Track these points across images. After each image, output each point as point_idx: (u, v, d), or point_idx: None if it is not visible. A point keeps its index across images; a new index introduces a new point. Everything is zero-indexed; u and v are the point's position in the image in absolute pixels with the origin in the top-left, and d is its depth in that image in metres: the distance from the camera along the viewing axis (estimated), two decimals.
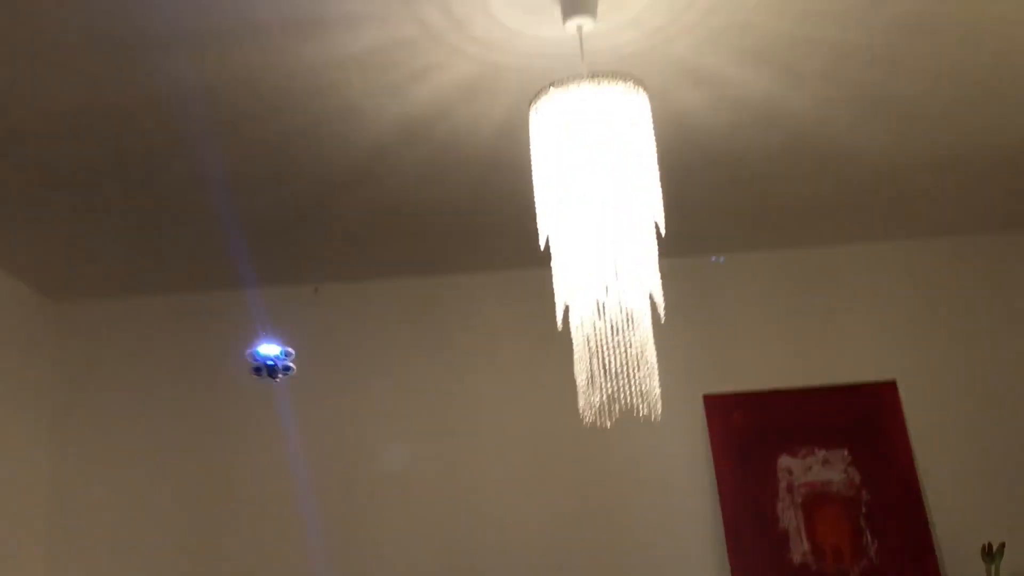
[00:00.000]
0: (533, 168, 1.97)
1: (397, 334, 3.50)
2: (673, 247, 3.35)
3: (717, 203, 3.08)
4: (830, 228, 3.38)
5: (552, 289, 1.91)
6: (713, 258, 3.49)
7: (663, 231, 1.89)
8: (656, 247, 1.91)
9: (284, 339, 3.44)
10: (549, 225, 1.93)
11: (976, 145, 2.77)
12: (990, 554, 3.01)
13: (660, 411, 1.83)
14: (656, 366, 1.85)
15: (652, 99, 2.01)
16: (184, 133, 2.39)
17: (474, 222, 3.07)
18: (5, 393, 3.15)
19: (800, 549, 3.21)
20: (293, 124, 2.39)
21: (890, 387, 3.39)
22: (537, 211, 1.94)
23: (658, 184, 1.92)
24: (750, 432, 3.36)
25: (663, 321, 1.91)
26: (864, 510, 3.24)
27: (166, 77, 2.15)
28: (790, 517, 3.25)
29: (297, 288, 3.50)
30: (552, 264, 1.92)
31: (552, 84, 1.92)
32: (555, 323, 1.92)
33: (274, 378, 2.90)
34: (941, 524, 3.24)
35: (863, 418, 3.36)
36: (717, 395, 3.41)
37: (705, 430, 3.37)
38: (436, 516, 3.31)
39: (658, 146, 1.98)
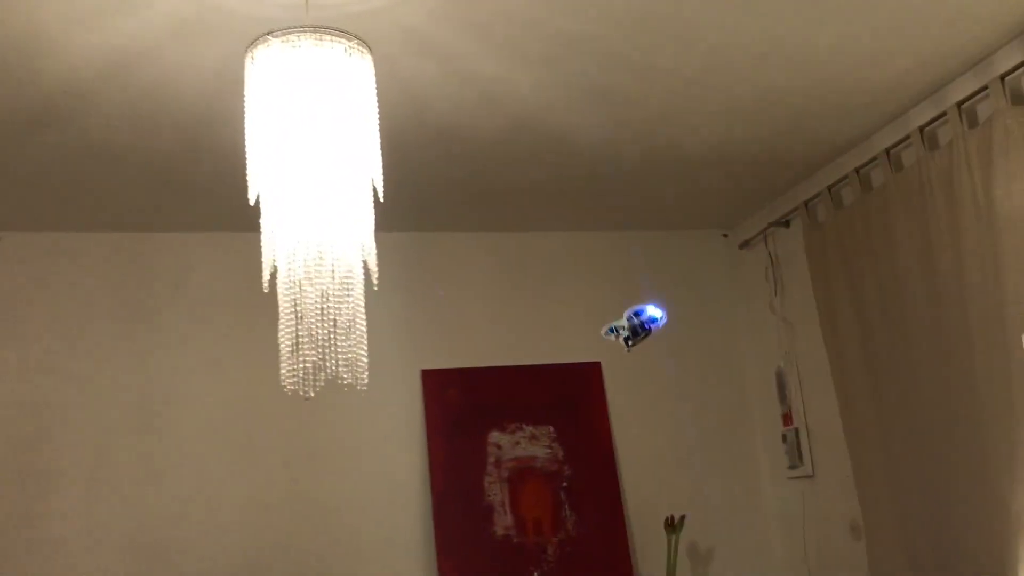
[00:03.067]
0: (246, 120, 1.85)
1: (92, 293, 3.20)
2: (397, 221, 3.34)
3: (441, 179, 3.08)
4: (547, 214, 3.49)
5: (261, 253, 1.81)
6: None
7: (381, 197, 1.85)
8: (372, 214, 1.86)
9: None
10: (261, 182, 1.82)
11: (682, 144, 2.95)
12: (672, 526, 3.25)
13: (367, 381, 1.78)
14: (366, 335, 1.80)
15: (377, 64, 1.95)
16: None
17: (184, 177, 2.87)
18: None
19: (503, 523, 3.30)
20: None
21: (594, 368, 3.57)
22: (248, 166, 1.83)
23: (378, 150, 1.87)
24: (464, 407, 3.41)
25: (375, 288, 1.86)
26: (565, 484, 3.39)
27: None
28: (496, 491, 3.33)
29: None
30: (261, 223, 1.82)
31: (271, 33, 1.81)
32: (260, 291, 1.82)
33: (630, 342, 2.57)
34: (632, 497, 3.46)
35: (569, 397, 3.52)
36: (434, 370, 3.42)
37: (422, 404, 3.37)
38: (126, 497, 3.07)
39: (382, 115, 1.92)
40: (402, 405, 3.36)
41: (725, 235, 3.81)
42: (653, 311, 2.59)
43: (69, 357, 3.14)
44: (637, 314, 2.60)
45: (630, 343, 2.58)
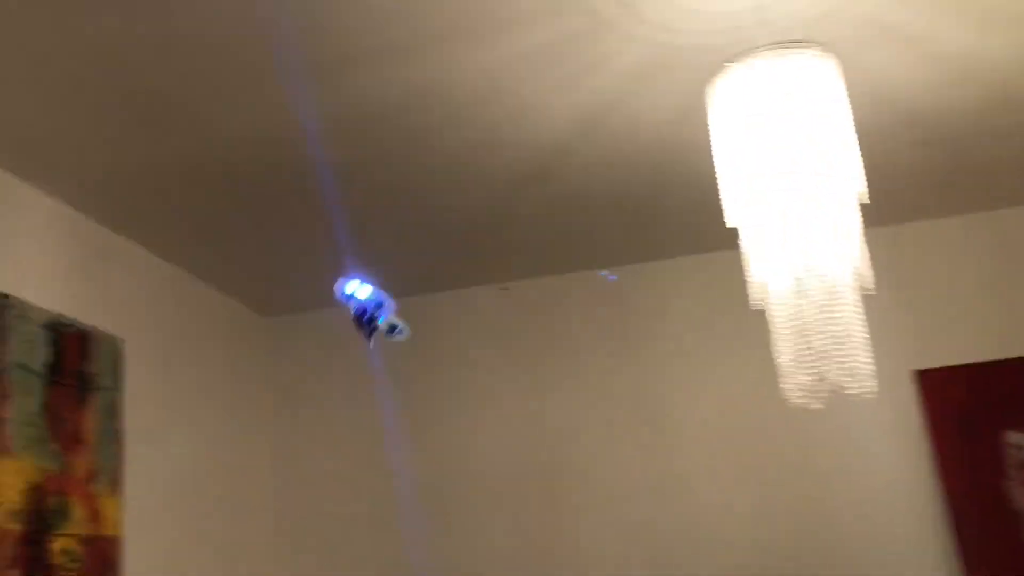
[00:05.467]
0: (715, 147, 1.92)
1: (584, 328, 3.50)
2: (868, 217, 3.20)
3: (914, 166, 2.89)
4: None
5: (740, 272, 1.85)
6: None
7: (867, 199, 1.80)
8: (859, 218, 1.81)
9: (474, 340, 3.54)
10: (738, 203, 1.87)
11: None
12: None
13: (875, 388, 1.74)
14: (865, 342, 1.76)
15: (842, 61, 1.91)
16: (372, 148, 2.50)
17: (655, 208, 3.03)
18: (228, 406, 3.39)
19: None
20: (472, 131, 2.44)
21: None
22: (722, 189, 1.89)
23: (857, 152, 1.83)
24: (970, 407, 3.14)
25: (872, 293, 1.82)
26: None
27: (352, 96, 2.25)
28: (1021, 495, 3.02)
29: (485, 288, 3.58)
30: (742, 243, 1.86)
31: (729, 60, 1.86)
32: (745, 308, 1.86)
33: (370, 335, 1.94)
34: None
35: None
36: (930, 369, 3.21)
37: (916, 408, 3.18)
38: (636, 513, 3.28)
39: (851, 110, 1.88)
40: (894, 409, 3.19)
41: None
42: (358, 290, 1.87)
43: (573, 386, 3.45)
44: (340, 293, 1.89)
45: (368, 330, 1.89)
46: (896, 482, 3.15)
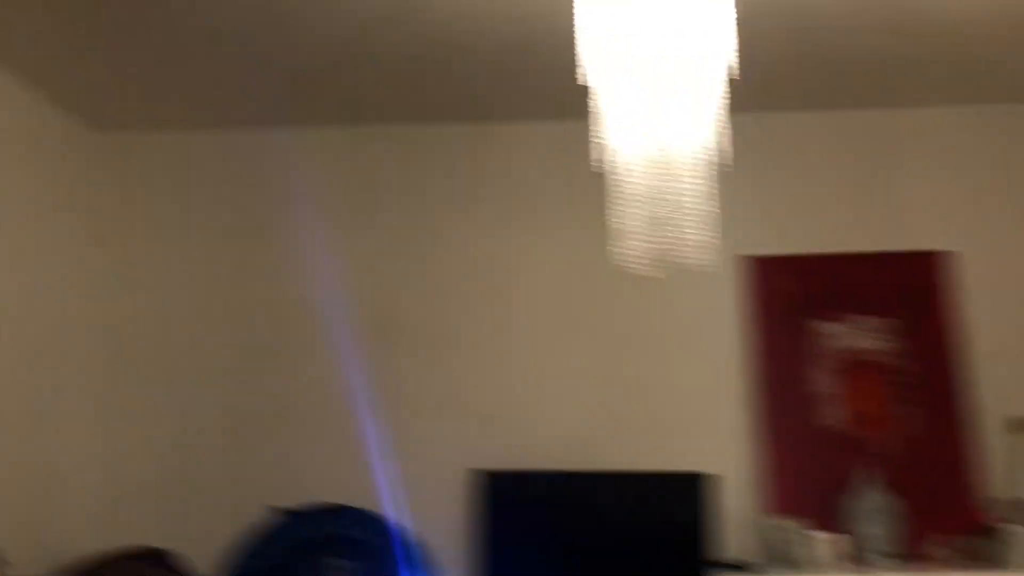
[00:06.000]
0: (576, 9, 1.85)
1: (431, 181, 3.45)
2: (737, 101, 3.23)
3: (788, 55, 2.91)
4: (898, 88, 3.21)
5: (593, 142, 1.83)
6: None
7: (736, 72, 1.79)
8: (722, 94, 1.81)
9: (318, 180, 3.43)
10: (597, 62, 1.83)
11: None
12: (1018, 426, 2.99)
13: (712, 263, 1.78)
14: (708, 216, 1.79)
15: None
16: None
17: (512, 68, 2.95)
18: (57, 220, 3.17)
19: (827, 414, 3.21)
20: None
21: (944, 257, 3.30)
22: (580, 46, 1.83)
23: (731, 26, 1.80)
24: (791, 295, 3.31)
25: (727, 170, 1.83)
26: (902, 379, 3.22)
27: None
28: (822, 382, 3.24)
29: (337, 129, 3.45)
30: (596, 106, 1.83)
31: None
32: (594, 178, 1.85)
33: None
34: (984, 400, 3.20)
35: (914, 288, 3.29)
36: (759, 256, 3.34)
37: (743, 291, 3.32)
38: (465, 369, 3.33)
39: None
40: (726, 289, 3.32)
41: None
42: None
43: (414, 240, 3.42)
44: None
45: None
46: (714, 359, 3.30)
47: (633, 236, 1.80)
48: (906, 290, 3.28)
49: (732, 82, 2.94)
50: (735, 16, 1.76)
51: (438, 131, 3.47)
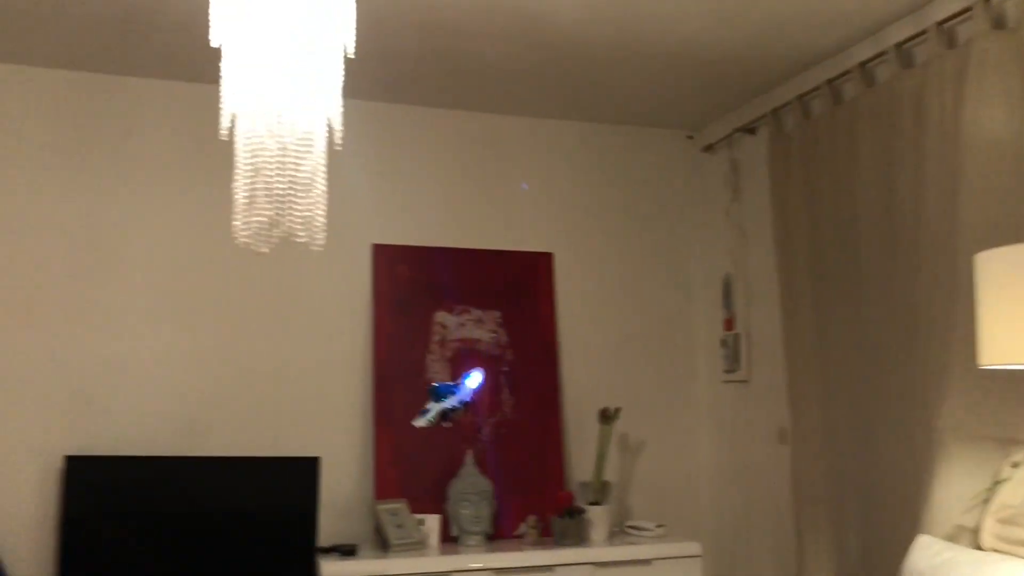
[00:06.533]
0: None
1: (38, 129, 3.08)
2: (366, 89, 3.25)
3: (415, 50, 2.98)
4: (516, 98, 3.42)
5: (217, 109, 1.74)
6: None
7: (351, 52, 1.78)
8: (341, 72, 1.79)
9: None
10: (225, 26, 1.74)
11: (658, 38, 2.89)
12: (607, 417, 3.32)
13: (322, 242, 1.75)
14: (325, 195, 1.77)
15: None
16: None
17: (144, 19, 2.73)
18: None
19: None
20: None
21: (546, 257, 3.57)
22: (212, 8, 1.75)
23: (353, 6, 1.80)
24: (412, 285, 3.40)
25: (338, 148, 1.82)
26: (506, 368, 3.43)
27: None
28: (437, 370, 3.36)
29: None
30: (222, 69, 1.75)
31: None
32: (218, 147, 1.76)
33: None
34: (570, 387, 3.52)
35: (518, 284, 3.52)
36: (386, 245, 3.39)
37: (371, 278, 3.36)
38: (63, 342, 3.03)
39: None
40: (351, 276, 3.34)
41: (690, 136, 3.79)
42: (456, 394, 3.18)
43: (4, 190, 3.04)
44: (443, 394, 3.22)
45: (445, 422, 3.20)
46: (336, 344, 3.31)
47: (247, 209, 1.73)
48: (511, 286, 3.51)
49: (363, 70, 2.95)
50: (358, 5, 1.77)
51: (53, 76, 3.10)
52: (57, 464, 2.93)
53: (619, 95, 3.40)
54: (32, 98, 3.08)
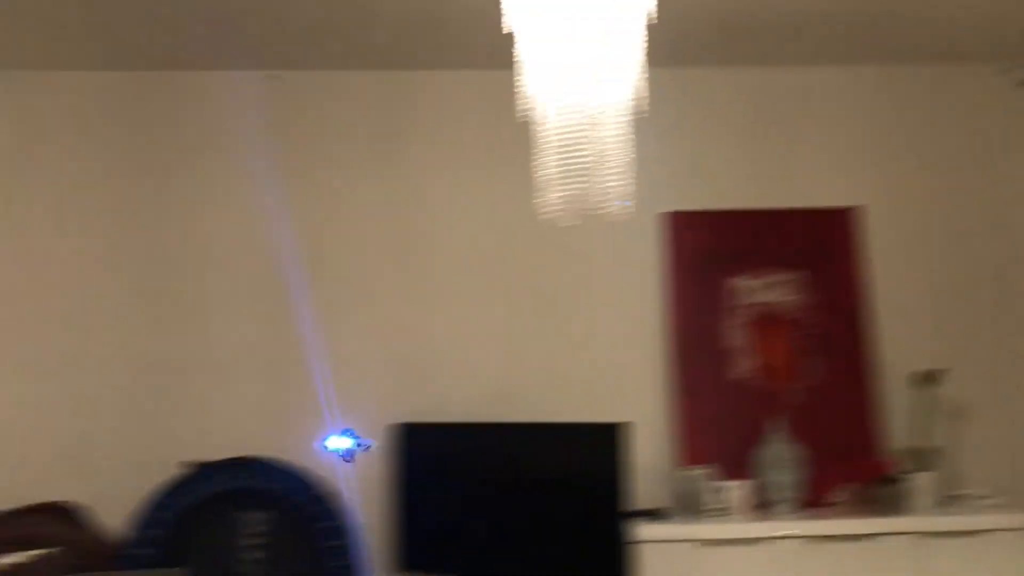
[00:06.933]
0: None
1: (353, 129, 3.38)
2: (650, 55, 3.24)
3: (701, 11, 2.94)
4: (804, 47, 3.26)
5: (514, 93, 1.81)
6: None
7: (655, 19, 1.79)
8: (642, 43, 1.81)
9: (239, 124, 3.33)
10: (520, 8, 1.81)
11: None
12: (929, 380, 3.11)
13: (631, 210, 1.78)
14: (626, 165, 1.80)
15: None
16: None
17: (436, 13, 2.91)
18: None
19: (743, 366, 3.29)
20: None
21: (850, 213, 3.39)
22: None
23: None
24: (705, 250, 3.36)
25: (644, 117, 1.84)
26: (810, 332, 3.31)
27: None
28: (736, 336, 3.31)
29: (255, 73, 3.35)
30: (519, 52, 1.82)
31: None
32: (517, 130, 1.84)
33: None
34: (888, 350, 3.32)
35: (821, 243, 3.38)
36: (676, 212, 3.38)
37: (660, 245, 3.36)
38: (385, 320, 3.30)
39: None
40: (642, 244, 3.37)
41: (1007, 71, 3.43)
42: (337, 443, 3.10)
43: (336, 187, 3.36)
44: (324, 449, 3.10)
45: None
46: (632, 312, 3.35)
47: (553, 186, 1.80)
48: (814, 245, 3.37)
49: (649, 35, 2.95)
50: None
51: (363, 78, 3.39)
52: (389, 431, 3.22)
53: (923, 28, 3.15)
54: (353, 101, 3.38)
